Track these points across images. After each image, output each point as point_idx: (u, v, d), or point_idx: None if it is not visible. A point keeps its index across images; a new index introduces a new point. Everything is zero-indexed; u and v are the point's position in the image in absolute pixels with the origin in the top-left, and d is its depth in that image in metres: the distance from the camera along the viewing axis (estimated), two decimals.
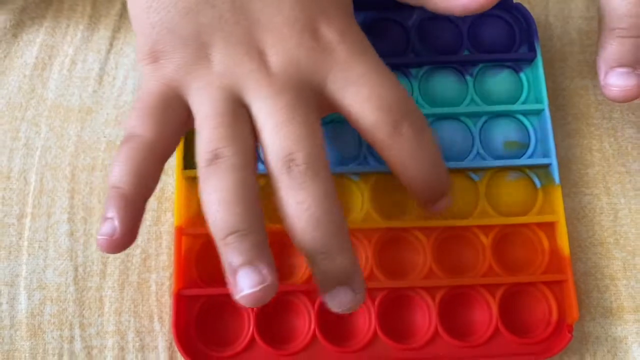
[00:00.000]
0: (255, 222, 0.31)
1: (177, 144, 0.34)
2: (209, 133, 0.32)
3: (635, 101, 0.41)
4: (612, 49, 0.36)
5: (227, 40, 0.33)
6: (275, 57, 0.33)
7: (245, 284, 0.30)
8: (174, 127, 0.33)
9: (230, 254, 0.31)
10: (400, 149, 0.34)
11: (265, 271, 0.30)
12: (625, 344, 0.38)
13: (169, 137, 0.33)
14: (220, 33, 0.33)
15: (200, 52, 0.33)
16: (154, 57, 0.34)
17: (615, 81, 0.35)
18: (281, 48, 0.33)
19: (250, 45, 0.33)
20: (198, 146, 0.32)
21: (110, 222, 0.31)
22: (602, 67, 0.36)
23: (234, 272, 0.30)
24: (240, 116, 0.32)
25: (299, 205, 0.31)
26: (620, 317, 0.38)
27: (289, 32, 0.33)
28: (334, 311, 0.33)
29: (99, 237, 0.31)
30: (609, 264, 0.39)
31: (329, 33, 0.34)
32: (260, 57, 0.33)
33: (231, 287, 0.31)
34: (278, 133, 0.32)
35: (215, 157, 0.31)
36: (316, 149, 0.32)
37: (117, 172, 0.32)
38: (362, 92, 0.33)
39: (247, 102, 0.33)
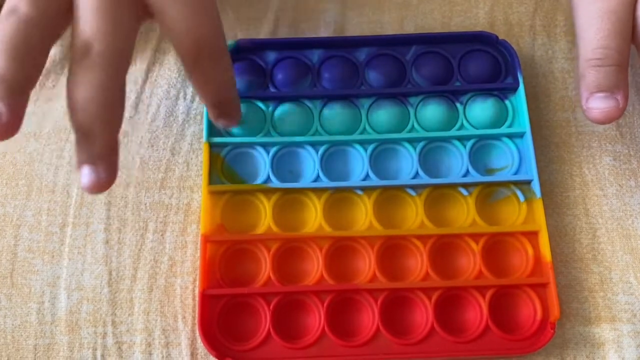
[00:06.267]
0: (24, 72, 0.31)
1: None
2: None
3: (611, 133, 0.44)
4: (591, 76, 0.38)
5: None
6: None
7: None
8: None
9: None
10: (199, 72, 0.37)
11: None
12: (603, 350, 0.39)
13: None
14: None
15: None
16: None
17: (597, 104, 0.37)
18: None
19: None
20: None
21: None
22: (584, 94, 0.38)
23: None
24: None
25: (83, 83, 0.32)
26: (598, 325, 0.40)
27: None
28: (82, 188, 0.33)
29: None
30: (587, 277, 0.41)
31: None
32: None
33: None
34: (87, 21, 0.32)
35: (11, 12, 0.31)
36: (114, 45, 0.33)
37: None
38: (182, 12, 0.35)
39: None
